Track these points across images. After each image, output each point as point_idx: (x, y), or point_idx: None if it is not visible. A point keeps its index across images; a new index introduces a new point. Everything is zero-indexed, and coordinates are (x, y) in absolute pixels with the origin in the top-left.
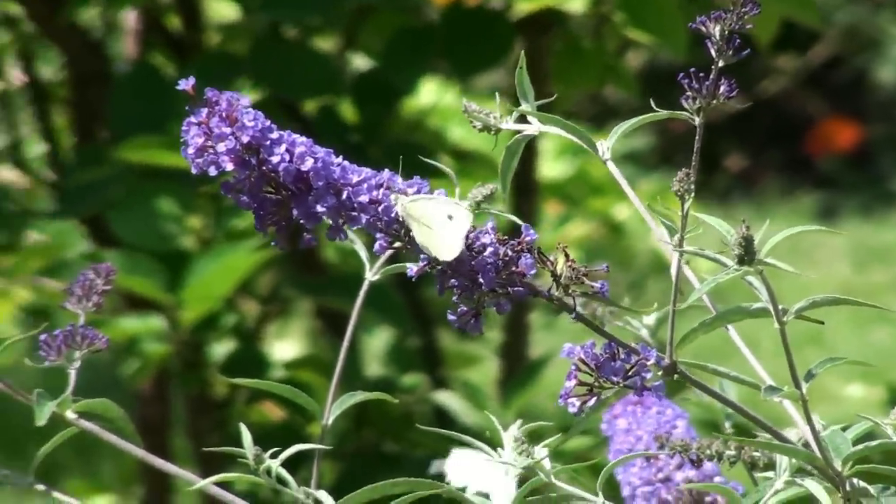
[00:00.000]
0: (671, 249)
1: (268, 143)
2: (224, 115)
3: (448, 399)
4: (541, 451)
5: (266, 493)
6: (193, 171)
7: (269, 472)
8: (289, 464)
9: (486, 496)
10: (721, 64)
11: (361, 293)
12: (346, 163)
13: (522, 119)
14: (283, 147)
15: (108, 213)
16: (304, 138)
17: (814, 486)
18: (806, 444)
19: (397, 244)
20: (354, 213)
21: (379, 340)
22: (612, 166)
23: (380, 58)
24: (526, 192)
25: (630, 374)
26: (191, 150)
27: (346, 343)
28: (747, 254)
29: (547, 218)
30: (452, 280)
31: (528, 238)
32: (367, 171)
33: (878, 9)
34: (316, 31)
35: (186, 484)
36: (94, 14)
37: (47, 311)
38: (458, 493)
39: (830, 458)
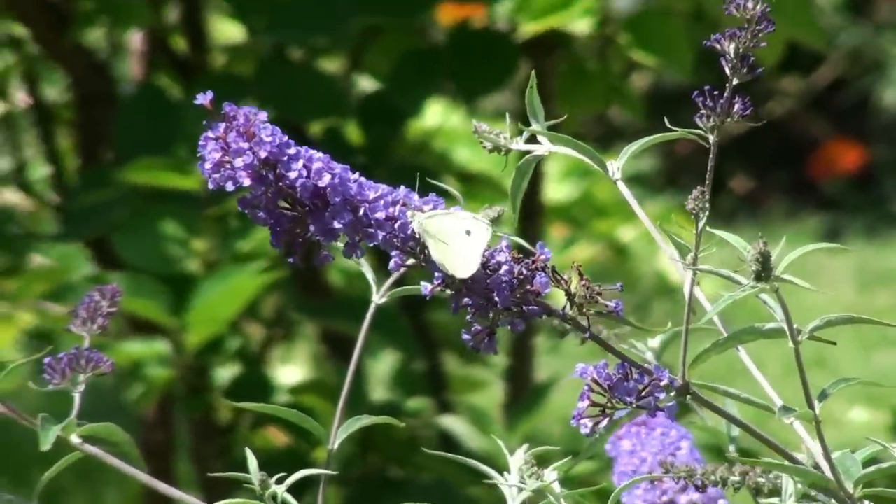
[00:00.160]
0: (683, 268)
1: (285, 158)
2: (242, 129)
3: (453, 423)
4: (550, 475)
5: None
6: (210, 186)
7: (274, 497)
8: (294, 489)
9: None
10: (735, 82)
11: (368, 317)
12: (362, 179)
13: (532, 140)
14: (301, 163)
15: (113, 236)
16: (320, 154)
17: None
18: (815, 467)
19: (412, 261)
20: (371, 230)
21: (384, 364)
22: (622, 186)
23: (385, 79)
24: (531, 214)
25: (643, 394)
26: (208, 165)
27: (352, 367)
28: (764, 270)
29: (552, 240)
30: (466, 299)
31: (542, 257)
32: (383, 188)
33: (881, 31)
34: (321, 52)
35: None
36: (99, 35)
37: (51, 335)
38: None
39: (841, 481)
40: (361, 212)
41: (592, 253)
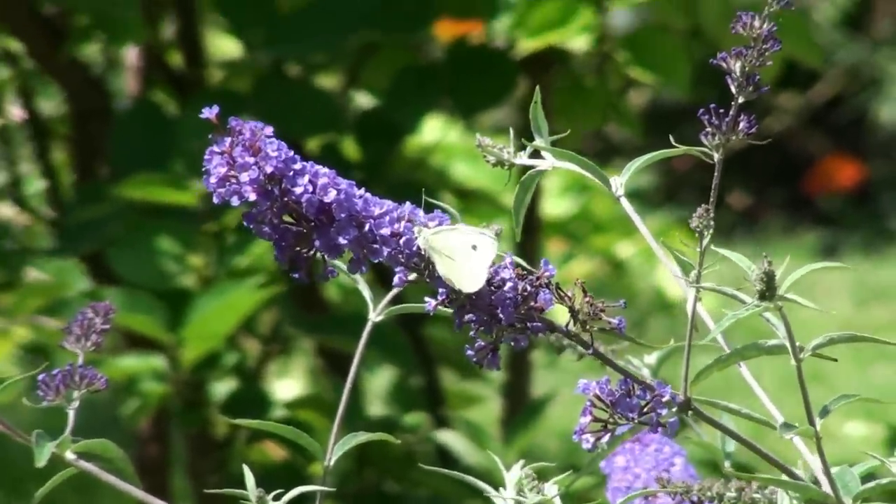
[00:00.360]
0: (686, 285)
1: (291, 173)
2: (248, 144)
3: (450, 438)
4: (551, 489)
5: None
6: (215, 200)
7: None
8: None
9: None
10: (741, 100)
11: (365, 334)
12: (367, 195)
13: (535, 155)
14: (307, 178)
15: (109, 251)
16: (326, 169)
17: None
18: (813, 481)
19: (416, 277)
20: (376, 246)
21: (381, 379)
22: (625, 203)
23: (383, 95)
24: (530, 229)
25: (646, 410)
26: (213, 180)
27: (348, 384)
28: (769, 289)
29: (550, 255)
30: (470, 315)
31: (547, 273)
32: (388, 204)
33: (879, 48)
34: (319, 68)
35: None
36: (95, 50)
37: (47, 349)
38: None
39: (840, 496)
40: (367, 228)
41: (590, 268)
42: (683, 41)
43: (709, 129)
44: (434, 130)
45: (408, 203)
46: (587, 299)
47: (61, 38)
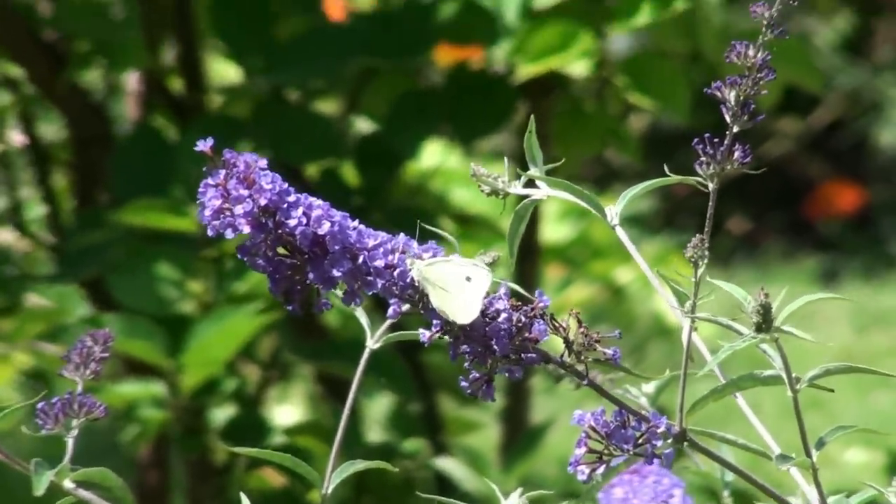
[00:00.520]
0: (682, 316)
1: (285, 206)
2: (242, 176)
3: (449, 465)
4: None
5: None
6: (209, 233)
7: None
8: None
9: None
10: (736, 129)
11: (363, 361)
12: (361, 227)
13: (530, 184)
14: (301, 210)
15: (109, 277)
16: (320, 201)
17: None
18: None
19: (410, 308)
20: (370, 278)
21: (379, 405)
22: (620, 232)
23: (382, 121)
24: (528, 254)
25: (640, 441)
26: (207, 212)
27: (346, 411)
28: (765, 322)
29: (548, 281)
30: (465, 346)
31: (541, 304)
32: (382, 236)
33: (879, 73)
34: (318, 94)
35: None
36: (95, 76)
37: (47, 375)
38: None
39: None
40: (360, 260)
41: (589, 294)
42: (682, 66)
43: (703, 159)
44: (433, 155)
45: (402, 234)
46: (582, 329)
47: (62, 63)
